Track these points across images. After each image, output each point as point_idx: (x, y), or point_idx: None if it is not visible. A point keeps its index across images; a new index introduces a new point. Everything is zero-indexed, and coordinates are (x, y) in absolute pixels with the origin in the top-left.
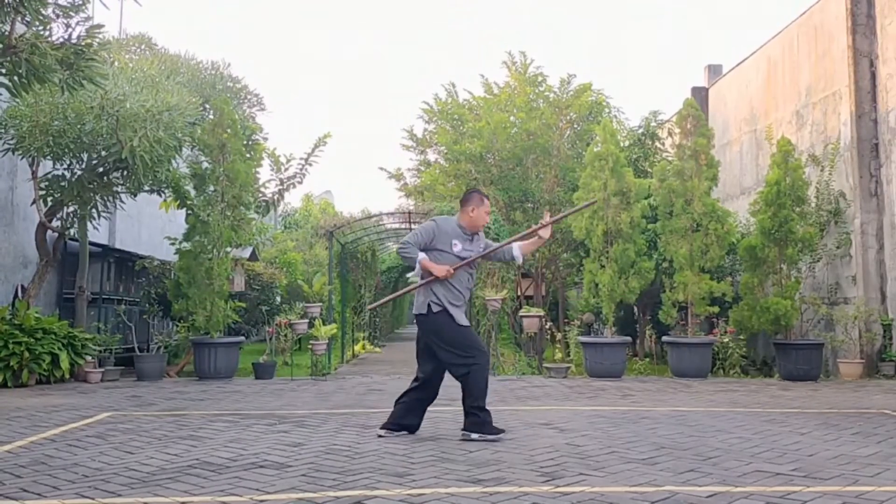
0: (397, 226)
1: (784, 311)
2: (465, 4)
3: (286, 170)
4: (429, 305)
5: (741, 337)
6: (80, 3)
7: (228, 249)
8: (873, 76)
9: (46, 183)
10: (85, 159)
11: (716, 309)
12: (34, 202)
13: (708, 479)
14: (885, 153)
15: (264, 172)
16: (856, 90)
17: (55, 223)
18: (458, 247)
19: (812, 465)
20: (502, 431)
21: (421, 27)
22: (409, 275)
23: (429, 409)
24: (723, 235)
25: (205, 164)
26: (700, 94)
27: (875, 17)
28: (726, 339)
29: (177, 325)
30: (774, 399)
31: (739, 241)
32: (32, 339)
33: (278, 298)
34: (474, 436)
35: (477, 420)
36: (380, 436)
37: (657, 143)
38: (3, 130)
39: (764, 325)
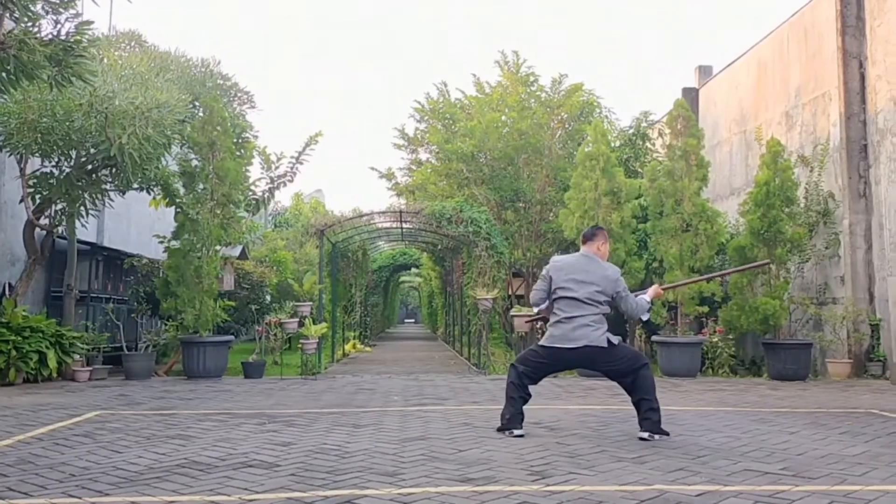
0: (388, 225)
1: (773, 311)
2: (459, 4)
3: (277, 168)
4: (608, 339)
5: (730, 337)
6: None
7: (218, 248)
8: (862, 77)
9: (35, 180)
10: (73, 156)
11: (705, 309)
12: (22, 200)
13: (697, 477)
14: (873, 154)
15: (255, 170)
16: (845, 91)
17: (43, 221)
18: None
19: (800, 465)
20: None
21: (414, 25)
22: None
23: (420, 408)
24: (712, 235)
25: (194, 162)
26: (690, 95)
27: (864, 19)
28: (716, 339)
29: (165, 324)
30: (763, 398)
31: (729, 242)
32: (20, 338)
33: (268, 297)
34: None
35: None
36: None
37: (648, 144)
38: None
39: (753, 325)
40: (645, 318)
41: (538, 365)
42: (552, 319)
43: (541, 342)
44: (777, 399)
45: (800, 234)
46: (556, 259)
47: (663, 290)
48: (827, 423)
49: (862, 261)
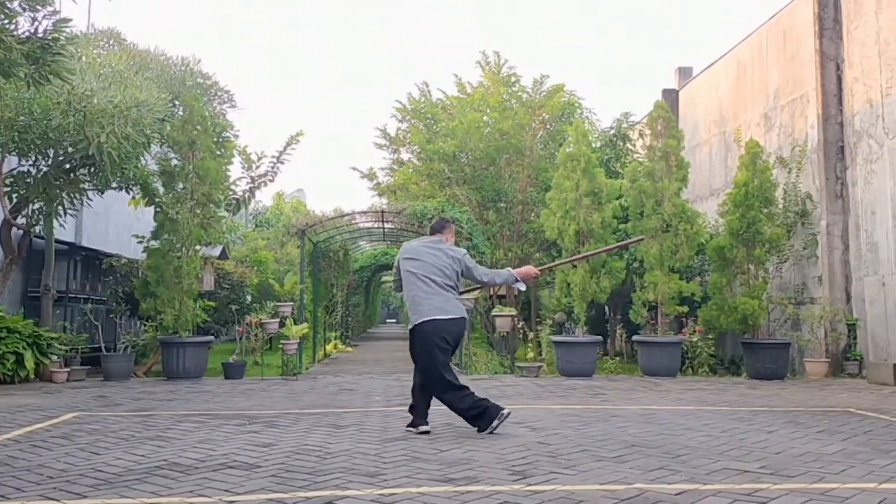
0: (370, 225)
1: (752, 311)
2: (441, 4)
3: (257, 168)
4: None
5: (710, 336)
6: None
7: (198, 248)
8: (839, 80)
9: (12, 179)
10: (51, 155)
11: (685, 308)
12: None
13: (677, 476)
14: (850, 156)
15: (235, 170)
16: (822, 93)
17: (20, 220)
18: None
19: (779, 463)
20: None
21: (396, 25)
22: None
23: (401, 408)
24: (692, 236)
25: (174, 161)
26: (671, 96)
27: (841, 22)
28: (695, 339)
29: (145, 325)
30: (742, 397)
31: (708, 242)
32: None
33: (249, 297)
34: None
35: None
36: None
37: (628, 145)
38: None
39: (732, 325)
40: (522, 287)
41: (447, 353)
42: (416, 300)
43: (415, 323)
44: (756, 398)
45: (778, 234)
46: (404, 245)
47: (539, 270)
48: (805, 422)
49: (839, 261)
